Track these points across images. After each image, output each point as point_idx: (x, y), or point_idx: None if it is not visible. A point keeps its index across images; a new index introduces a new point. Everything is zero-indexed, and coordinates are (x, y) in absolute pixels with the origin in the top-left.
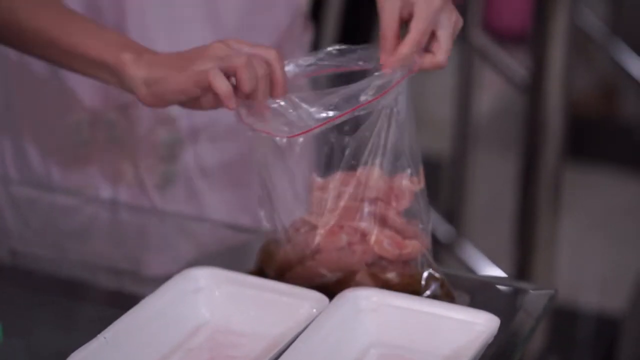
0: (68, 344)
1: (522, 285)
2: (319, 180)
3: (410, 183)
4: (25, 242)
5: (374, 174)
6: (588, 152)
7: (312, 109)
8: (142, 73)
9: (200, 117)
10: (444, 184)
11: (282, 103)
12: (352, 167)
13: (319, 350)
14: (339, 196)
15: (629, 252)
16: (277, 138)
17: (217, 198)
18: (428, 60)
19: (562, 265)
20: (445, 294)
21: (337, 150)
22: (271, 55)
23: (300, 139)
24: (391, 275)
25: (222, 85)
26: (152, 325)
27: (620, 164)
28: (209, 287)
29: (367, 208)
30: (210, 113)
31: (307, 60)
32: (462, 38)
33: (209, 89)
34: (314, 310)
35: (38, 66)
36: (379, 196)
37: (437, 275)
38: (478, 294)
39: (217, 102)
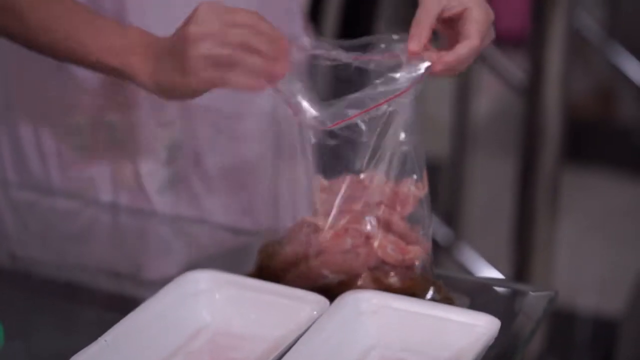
0: (68, 348)
1: (522, 287)
2: (324, 182)
3: (415, 189)
4: (25, 245)
5: (379, 179)
6: (586, 155)
7: (340, 103)
8: (152, 81)
9: (200, 120)
10: (442, 187)
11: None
12: (358, 170)
13: (320, 352)
14: (344, 199)
15: (627, 254)
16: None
17: (217, 201)
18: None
19: (561, 267)
20: (444, 299)
21: (342, 152)
22: (253, 19)
23: (313, 140)
24: (393, 280)
25: (239, 82)
26: (153, 328)
27: (617, 166)
28: (209, 289)
29: (371, 212)
30: (210, 116)
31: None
32: None
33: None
34: (315, 312)
35: (38, 68)
36: (384, 201)
37: (435, 280)
38: (478, 297)
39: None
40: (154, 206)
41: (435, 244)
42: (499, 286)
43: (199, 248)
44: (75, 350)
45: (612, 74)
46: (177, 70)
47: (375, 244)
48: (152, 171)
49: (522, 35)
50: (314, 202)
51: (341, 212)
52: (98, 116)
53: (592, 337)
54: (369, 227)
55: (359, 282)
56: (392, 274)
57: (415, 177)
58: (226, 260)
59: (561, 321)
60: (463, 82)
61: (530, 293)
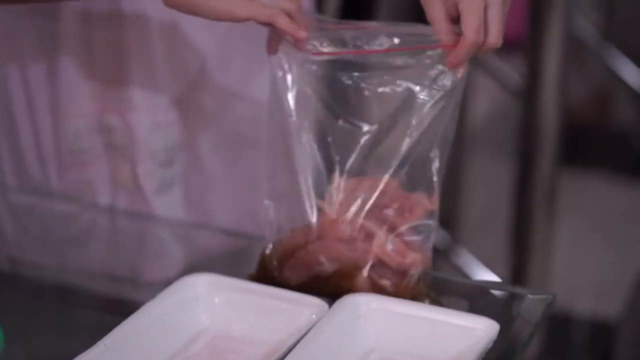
0: (68, 351)
1: (520, 290)
2: (338, 178)
3: (427, 201)
4: (24, 249)
5: (393, 183)
6: (583, 158)
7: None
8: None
9: (198, 121)
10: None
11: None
12: (371, 165)
13: (319, 356)
14: (355, 196)
15: (624, 257)
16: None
17: (216, 203)
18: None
19: (558, 270)
20: None
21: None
22: None
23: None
24: (387, 283)
25: (285, 25)
26: (152, 332)
27: (614, 169)
28: (209, 293)
29: (378, 211)
30: (208, 118)
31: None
32: None
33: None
34: (314, 316)
35: (37, 71)
36: (394, 204)
37: (429, 292)
38: (476, 300)
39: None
40: (152, 207)
41: (433, 247)
42: (497, 289)
43: (198, 251)
44: (74, 354)
45: (609, 77)
46: None
47: (376, 241)
48: (150, 172)
49: (519, 38)
50: (330, 195)
51: (347, 204)
52: (96, 119)
53: (590, 339)
54: (371, 222)
55: (356, 279)
56: (387, 276)
57: (429, 191)
58: (225, 263)
59: (559, 323)
60: None
61: (529, 296)
